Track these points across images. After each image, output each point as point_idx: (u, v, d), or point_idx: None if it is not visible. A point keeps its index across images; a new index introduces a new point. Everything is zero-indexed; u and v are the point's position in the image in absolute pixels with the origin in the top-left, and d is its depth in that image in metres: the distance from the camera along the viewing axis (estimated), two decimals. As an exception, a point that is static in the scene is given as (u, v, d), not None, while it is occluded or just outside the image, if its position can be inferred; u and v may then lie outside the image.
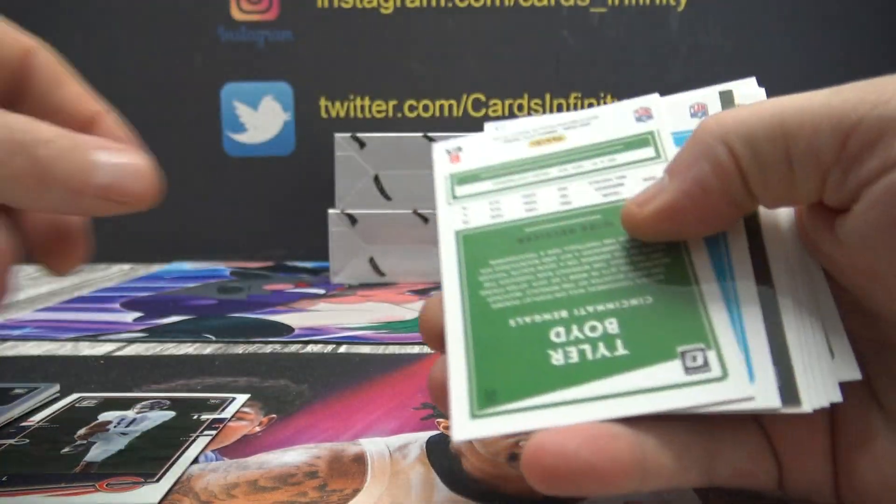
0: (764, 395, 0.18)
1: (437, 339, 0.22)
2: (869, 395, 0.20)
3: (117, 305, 0.55)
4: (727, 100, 0.23)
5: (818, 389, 0.18)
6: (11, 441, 0.28)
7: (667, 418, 0.18)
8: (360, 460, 0.26)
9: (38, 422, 0.30)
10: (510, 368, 0.19)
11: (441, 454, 0.26)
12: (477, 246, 0.23)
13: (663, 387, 0.18)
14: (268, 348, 0.42)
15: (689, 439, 0.19)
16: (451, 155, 0.25)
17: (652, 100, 0.24)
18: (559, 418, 0.18)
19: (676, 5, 0.79)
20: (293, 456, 0.26)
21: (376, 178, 0.66)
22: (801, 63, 0.79)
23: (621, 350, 0.19)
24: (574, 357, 0.19)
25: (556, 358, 0.19)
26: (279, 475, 0.25)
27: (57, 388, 0.33)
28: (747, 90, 0.23)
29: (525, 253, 0.22)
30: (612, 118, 0.24)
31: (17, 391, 0.32)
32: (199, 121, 0.80)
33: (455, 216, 0.23)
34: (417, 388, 0.34)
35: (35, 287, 0.63)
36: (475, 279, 0.22)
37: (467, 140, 0.25)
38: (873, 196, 0.17)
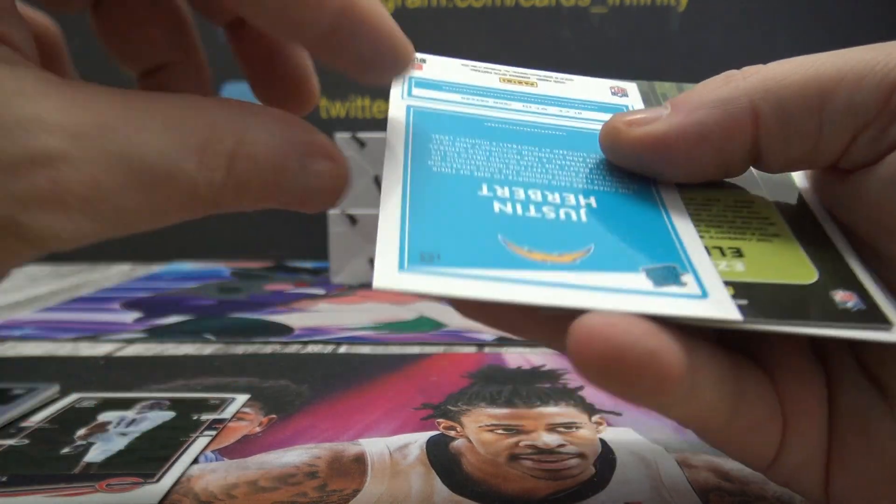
0: (725, 309, 0.16)
1: None
2: (868, 376, 0.20)
3: (117, 306, 0.55)
4: (645, 90, 0.24)
5: None
6: (11, 441, 0.28)
7: (710, 343, 0.18)
8: (360, 460, 0.26)
9: (38, 422, 0.30)
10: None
11: (441, 454, 0.26)
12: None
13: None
14: (268, 348, 0.42)
15: (725, 372, 0.18)
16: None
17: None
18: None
19: (677, 5, 0.79)
20: (293, 456, 0.26)
21: (376, 179, 0.66)
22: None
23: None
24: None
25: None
26: (279, 475, 0.25)
27: (57, 388, 0.33)
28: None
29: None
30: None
31: (16, 391, 0.32)
32: (199, 121, 0.80)
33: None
34: (417, 388, 0.34)
35: (35, 287, 0.63)
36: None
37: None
38: None
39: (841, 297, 0.18)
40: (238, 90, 0.88)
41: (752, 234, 0.19)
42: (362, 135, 0.66)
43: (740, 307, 0.17)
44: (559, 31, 0.79)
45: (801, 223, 0.20)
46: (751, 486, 0.23)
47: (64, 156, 0.15)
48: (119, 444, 0.27)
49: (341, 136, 0.66)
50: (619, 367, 0.15)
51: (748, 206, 0.20)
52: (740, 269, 0.18)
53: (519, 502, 0.23)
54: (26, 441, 0.28)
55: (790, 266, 0.18)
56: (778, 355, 0.20)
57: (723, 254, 0.18)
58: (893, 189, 0.17)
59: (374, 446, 0.27)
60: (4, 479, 0.24)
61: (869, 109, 0.17)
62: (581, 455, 0.26)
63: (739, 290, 0.17)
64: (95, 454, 0.26)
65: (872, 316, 0.17)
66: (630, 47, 0.79)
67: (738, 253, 0.18)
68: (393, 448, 0.27)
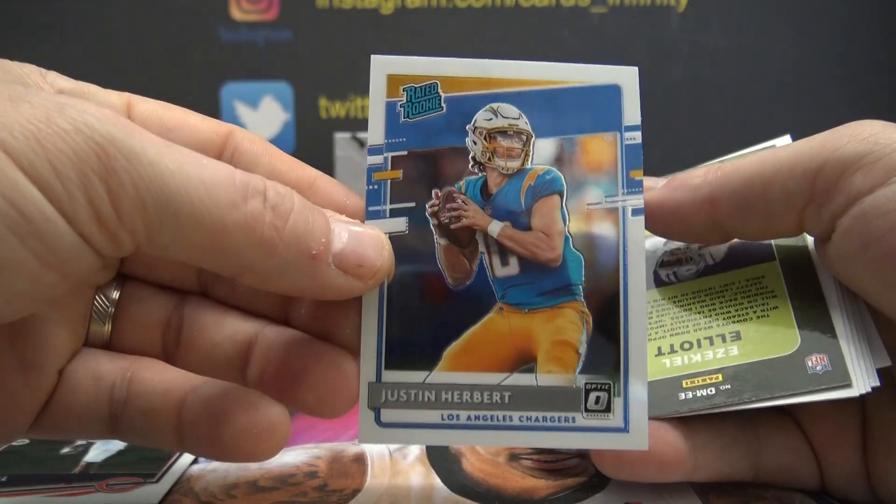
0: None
1: None
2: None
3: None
4: None
5: (863, 377, 0.20)
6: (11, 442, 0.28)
7: (715, 417, 0.22)
8: (360, 460, 0.26)
9: (38, 422, 0.30)
10: None
11: (441, 454, 0.26)
12: None
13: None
14: (268, 348, 0.42)
15: (735, 435, 0.22)
16: None
17: None
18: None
19: (676, 5, 0.79)
20: (293, 456, 0.26)
21: (376, 178, 0.66)
22: (802, 63, 0.79)
23: None
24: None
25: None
26: (279, 475, 0.25)
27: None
28: None
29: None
30: None
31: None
32: (199, 121, 0.80)
33: None
34: (417, 388, 0.34)
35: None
36: None
37: None
38: (844, 225, 0.20)
39: (813, 361, 0.21)
40: (238, 90, 0.88)
41: (755, 312, 0.23)
42: (362, 135, 0.66)
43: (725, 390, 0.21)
44: (559, 31, 0.79)
45: (802, 286, 0.23)
46: (750, 486, 0.23)
47: None
48: (119, 443, 0.27)
49: (341, 136, 0.66)
50: (625, 465, 0.21)
51: (758, 281, 0.24)
52: (734, 354, 0.22)
53: (519, 502, 0.23)
54: (26, 441, 0.28)
55: (778, 339, 0.22)
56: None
57: (724, 340, 0.22)
58: (843, 262, 0.21)
59: (374, 446, 0.27)
60: (4, 479, 0.24)
61: (802, 192, 0.21)
62: (581, 455, 0.26)
63: (727, 375, 0.22)
64: (95, 454, 0.26)
65: (835, 377, 0.20)
66: (630, 47, 0.79)
67: (737, 336, 0.22)
68: (393, 448, 0.27)
